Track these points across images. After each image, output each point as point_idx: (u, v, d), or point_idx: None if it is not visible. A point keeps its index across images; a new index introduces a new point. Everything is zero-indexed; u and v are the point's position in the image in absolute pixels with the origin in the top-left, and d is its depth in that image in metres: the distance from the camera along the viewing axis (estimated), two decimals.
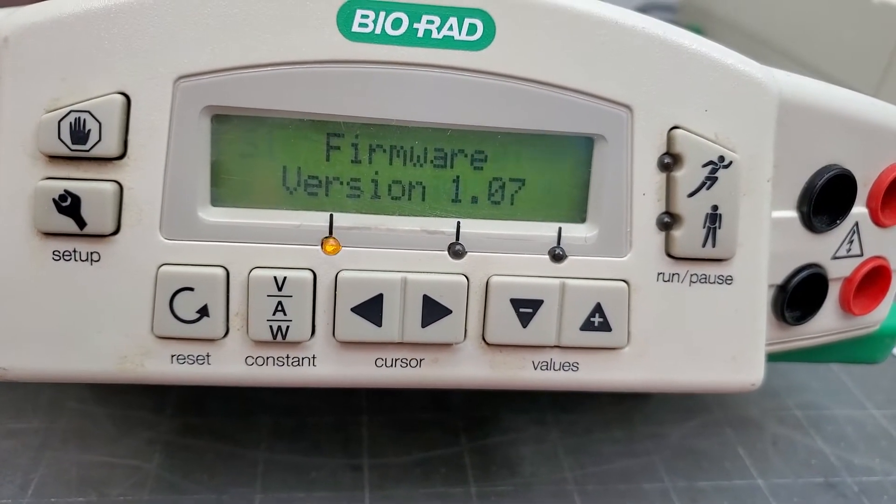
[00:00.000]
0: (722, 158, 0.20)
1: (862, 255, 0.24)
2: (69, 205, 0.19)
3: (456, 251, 0.20)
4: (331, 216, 0.20)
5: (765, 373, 0.22)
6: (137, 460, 0.27)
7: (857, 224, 0.23)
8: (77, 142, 0.18)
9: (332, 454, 0.28)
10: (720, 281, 0.21)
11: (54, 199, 0.18)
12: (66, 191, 0.18)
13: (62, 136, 0.18)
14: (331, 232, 0.20)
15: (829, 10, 0.48)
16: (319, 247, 0.20)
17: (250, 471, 0.27)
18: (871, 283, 0.24)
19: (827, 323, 0.24)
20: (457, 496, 0.26)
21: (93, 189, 0.19)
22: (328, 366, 0.20)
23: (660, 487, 0.27)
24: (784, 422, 0.31)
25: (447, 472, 0.27)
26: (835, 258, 0.23)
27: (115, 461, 0.27)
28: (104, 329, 0.19)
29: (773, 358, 0.23)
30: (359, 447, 0.28)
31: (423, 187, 0.20)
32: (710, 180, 0.20)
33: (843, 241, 0.23)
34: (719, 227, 0.20)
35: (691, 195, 0.20)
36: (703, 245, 0.20)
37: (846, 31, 0.46)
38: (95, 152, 0.18)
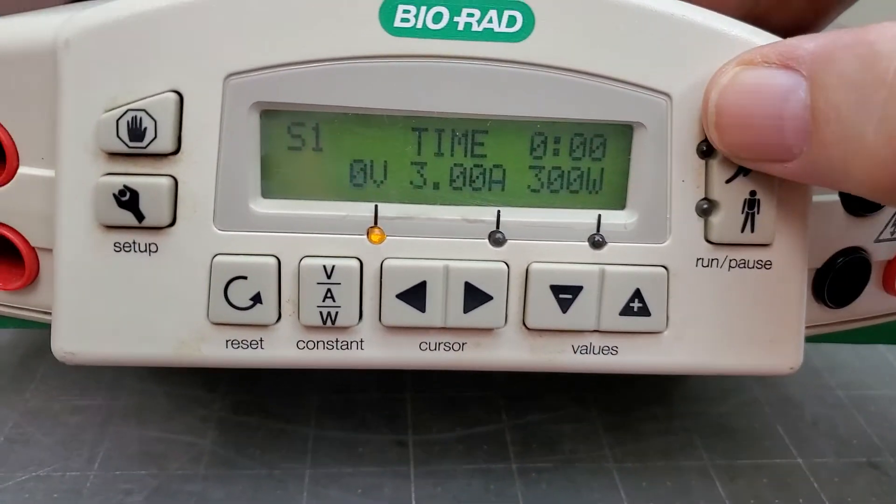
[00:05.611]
0: None
1: None
2: (128, 199, 0.19)
3: (496, 239, 0.21)
4: (376, 207, 0.20)
5: (804, 355, 0.22)
6: (193, 436, 0.28)
7: None
8: (134, 139, 0.19)
9: (378, 430, 0.29)
10: (759, 266, 0.21)
11: (114, 194, 0.19)
12: (125, 186, 0.19)
13: (120, 134, 0.19)
14: (376, 222, 0.20)
15: None
16: (365, 236, 0.20)
17: (300, 447, 0.28)
18: None
19: (869, 305, 0.24)
20: (498, 472, 0.27)
21: (150, 184, 0.19)
22: (375, 349, 0.21)
23: (699, 465, 0.28)
24: (825, 401, 0.31)
25: (489, 448, 0.28)
26: (878, 241, 0.23)
27: (173, 437, 0.28)
28: (163, 316, 0.20)
29: (815, 339, 0.23)
30: (404, 424, 0.29)
31: (464, 177, 0.21)
32: None
33: (887, 225, 0.23)
34: (758, 213, 0.20)
35: (729, 181, 0.20)
36: (742, 230, 0.21)
37: None
38: (152, 149, 0.19)
